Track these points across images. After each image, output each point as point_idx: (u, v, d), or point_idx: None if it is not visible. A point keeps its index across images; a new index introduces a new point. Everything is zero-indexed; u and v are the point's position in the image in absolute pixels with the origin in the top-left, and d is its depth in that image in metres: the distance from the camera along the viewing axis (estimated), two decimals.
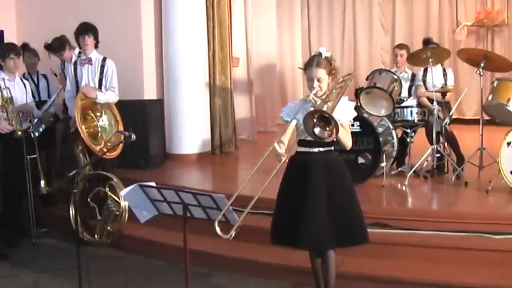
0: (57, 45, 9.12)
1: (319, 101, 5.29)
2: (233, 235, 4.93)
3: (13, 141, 7.93)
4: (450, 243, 6.52)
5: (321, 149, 5.39)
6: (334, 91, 5.41)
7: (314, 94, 5.32)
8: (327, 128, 4.99)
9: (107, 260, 7.56)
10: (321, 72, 5.35)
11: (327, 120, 4.97)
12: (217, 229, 4.87)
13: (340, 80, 5.58)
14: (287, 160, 5.27)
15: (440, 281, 6.06)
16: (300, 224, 5.28)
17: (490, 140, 8.43)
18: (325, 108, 5.10)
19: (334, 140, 5.29)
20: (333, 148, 5.45)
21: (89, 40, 8.20)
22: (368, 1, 16.18)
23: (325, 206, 5.29)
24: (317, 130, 5.02)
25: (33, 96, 8.73)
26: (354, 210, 5.46)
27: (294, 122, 5.36)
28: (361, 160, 8.33)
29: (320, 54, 5.43)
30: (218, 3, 11.02)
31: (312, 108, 5.18)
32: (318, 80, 5.34)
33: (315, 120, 4.99)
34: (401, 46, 9.91)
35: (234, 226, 4.96)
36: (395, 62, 9.83)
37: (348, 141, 5.39)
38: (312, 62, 5.41)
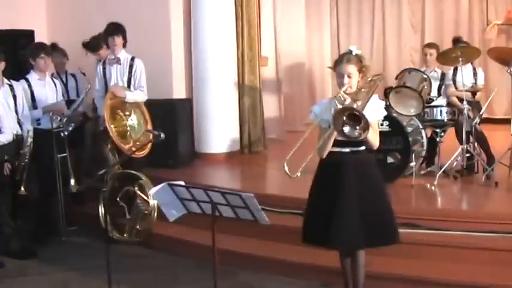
0: (94, 44, 9.16)
1: (348, 99, 5.25)
2: (299, 175, 5.10)
3: (43, 140, 8.02)
4: (479, 244, 6.47)
5: (352, 149, 5.38)
6: (363, 90, 5.38)
7: (344, 91, 5.30)
8: (357, 127, 4.98)
9: (136, 258, 7.61)
10: (352, 68, 5.32)
11: (357, 118, 4.95)
12: (286, 168, 5.06)
13: (370, 79, 5.56)
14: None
15: (470, 282, 6.02)
16: (331, 224, 5.28)
17: None
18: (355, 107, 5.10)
19: (365, 139, 5.30)
20: (364, 148, 5.43)
21: (118, 40, 8.25)
22: (397, 0, 16.10)
23: (357, 206, 5.29)
24: (346, 129, 4.99)
25: (62, 95, 8.79)
26: (385, 210, 5.45)
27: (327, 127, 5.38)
28: (390, 160, 8.29)
29: (350, 52, 5.42)
30: (247, 2, 11.02)
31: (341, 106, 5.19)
32: (348, 76, 5.31)
33: (344, 118, 4.98)
34: (430, 45, 9.87)
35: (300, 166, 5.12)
36: (424, 61, 9.79)
37: (375, 141, 5.36)
38: (342, 59, 5.40)
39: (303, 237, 5.61)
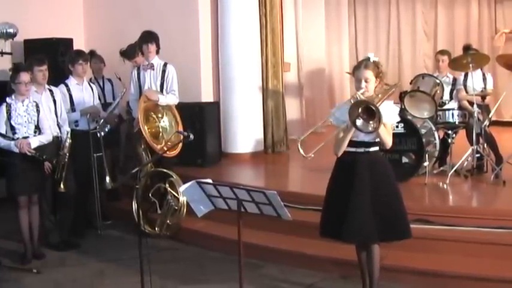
0: (130, 52, 9.16)
1: None
2: (312, 156, 5.32)
3: (81, 140, 8.06)
4: (489, 239, 6.46)
5: (366, 149, 5.41)
6: (379, 95, 5.42)
7: (361, 94, 5.33)
8: (370, 122, 5.00)
9: (166, 251, 7.64)
10: (369, 74, 5.38)
11: (371, 113, 4.99)
12: (300, 149, 5.30)
13: (388, 87, 5.58)
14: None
15: (479, 275, 6.01)
16: (345, 219, 5.31)
17: None
18: None
19: (378, 140, 5.31)
20: (377, 148, 5.45)
21: (152, 47, 8.28)
22: (412, 10, 15.99)
23: (370, 203, 5.33)
24: (359, 122, 5.05)
25: (99, 98, 8.82)
26: (397, 206, 5.46)
27: (341, 126, 5.39)
28: (405, 160, 8.26)
29: (368, 58, 5.48)
30: (271, 12, 11.01)
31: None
32: (365, 81, 5.37)
33: (359, 110, 5.01)
34: (443, 52, 9.86)
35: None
36: (437, 67, 9.78)
37: (388, 140, 5.37)
38: (360, 65, 5.47)
39: (320, 232, 5.66)
